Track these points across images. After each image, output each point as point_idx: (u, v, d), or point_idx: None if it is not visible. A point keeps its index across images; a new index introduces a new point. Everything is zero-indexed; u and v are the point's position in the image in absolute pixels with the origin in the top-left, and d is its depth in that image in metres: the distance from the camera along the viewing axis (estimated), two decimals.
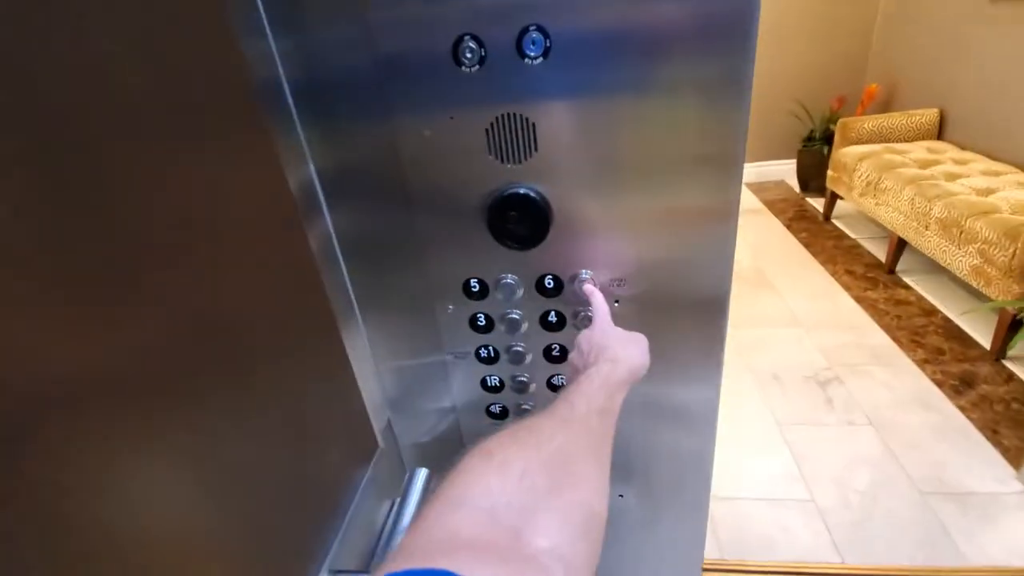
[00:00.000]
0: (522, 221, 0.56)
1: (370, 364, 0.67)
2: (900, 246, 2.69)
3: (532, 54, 0.48)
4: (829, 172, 3.24)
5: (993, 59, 2.68)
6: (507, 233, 0.57)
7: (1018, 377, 1.99)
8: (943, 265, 2.37)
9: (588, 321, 0.58)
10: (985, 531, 1.48)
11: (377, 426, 0.66)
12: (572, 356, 0.57)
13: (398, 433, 0.74)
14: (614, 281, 0.60)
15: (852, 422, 1.88)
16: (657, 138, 0.52)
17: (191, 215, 0.37)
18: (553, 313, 0.63)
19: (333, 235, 0.59)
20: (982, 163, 2.66)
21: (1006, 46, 2.60)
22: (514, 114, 0.52)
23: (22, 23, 0.25)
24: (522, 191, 0.55)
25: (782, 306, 2.58)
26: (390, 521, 0.61)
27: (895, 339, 2.27)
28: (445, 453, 0.76)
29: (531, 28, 0.47)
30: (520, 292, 0.62)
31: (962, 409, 1.88)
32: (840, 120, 3.22)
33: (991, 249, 2.05)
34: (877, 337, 2.30)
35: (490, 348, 0.67)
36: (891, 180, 2.64)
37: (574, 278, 0.60)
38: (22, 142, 0.25)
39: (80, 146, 0.28)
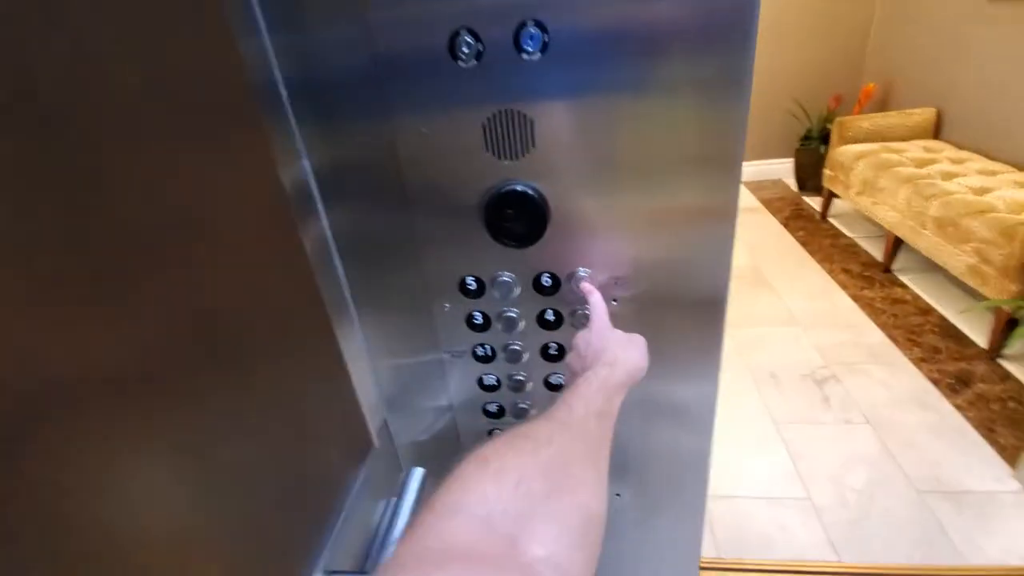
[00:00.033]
0: (519, 218, 0.55)
1: (366, 362, 0.66)
2: (896, 245, 2.69)
3: (530, 49, 0.48)
4: (826, 171, 3.25)
5: (990, 59, 2.69)
6: (504, 231, 0.56)
7: (1014, 376, 1.99)
8: (939, 264, 2.37)
9: (586, 319, 0.58)
10: (982, 530, 1.48)
11: (373, 425, 0.66)
12: (569, 358, 0.56)
13: (394, 432, 0.73)
14: (612, 279, 0.60)
15: (849, 421, 1.88)
16: (656, 136, 0.52)
17: (185, 214, 0.36)
18: (550, 311, 0.63)
19: (328, 232, 0.59)
20: (979, 162, 2.66)
21: (1004, 46, 2.60)
22: (511, 110, 0.51)
23: (12, 20, 0.25)
24: (519, 188, 0.54)
25: (779, 305, 2.59)
26: (386, 521, 0.60)
27: (892, 338, 2.27)
28: (442, 452, 0.75)
29: (528, 23, 0.47)
30: (517, 290, 0.61)
31: (959, 408, 1.88)
32: (837, 119, 3.22)
33: (987, 248, 2.06)
34: (874, 336, 2.31)
35: (487, 347, 0.66)
36: (888, 179, 2.65)
37: (571, 276, 0.60)
38: (12, 141, 0.25)
39: (71, 146, 0.28)
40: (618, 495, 0.76)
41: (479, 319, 0.64)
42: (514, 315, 0.63)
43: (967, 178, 2.50)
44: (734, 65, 0.48)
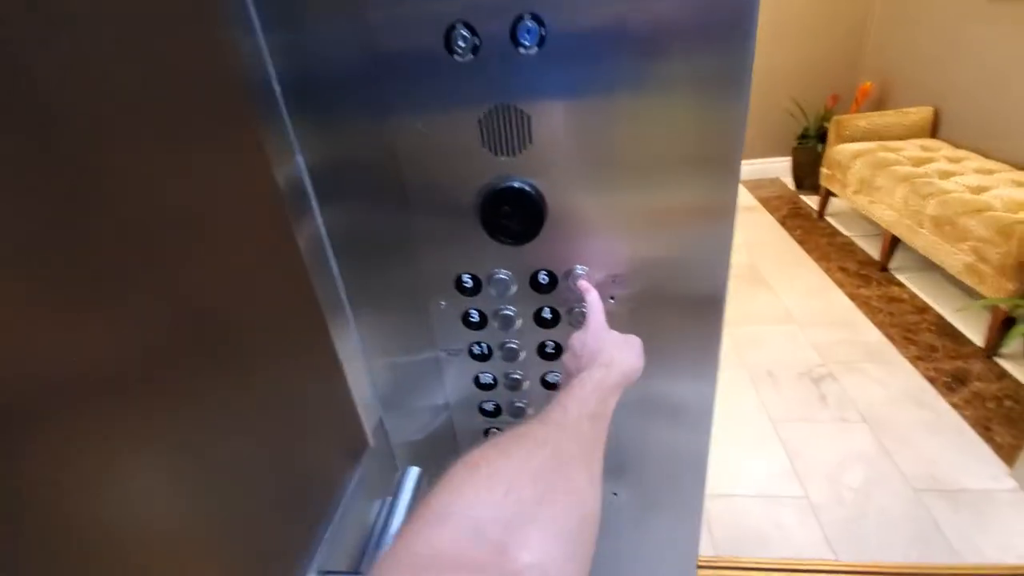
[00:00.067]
0: (516, 215, 0.55)
1: (361, 361, 0.66)
2: (893, 243, 2.70)
3: (526, 43, 0.47)
4: (823, 170, 3.25)
5: (988, 58, 2.69)
6: (501, 228, 0.56)
7: (1010, 374, 2.00)
8: (936, 263, 2.38)
9: (583, 317, 0.58)
10: (978, 528, 1.48)
11: (368, 424, 0.65)
12: (565, 358, 0.56)
13: (390, 431, 0.73)
14: (610, 277, 0.59)
15: (846, 419, 1.89)
16: (655, 133, 0.51)
17: (178, 213, 0.36)
18: (547, 309, 0.62)
19: (323, 230, 0.58)
20: (976, 161, 2.67)
21: (1001, 45, 2.60)
22: (508, 105, 0.50)
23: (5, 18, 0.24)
24: (516, 185, 0.54)
25: (776, 303, 2.59)
26: (381, 521, 0.60)
27: (888, 336, 2.28)
28: (438, 451, 0.75)
29: (525, 16, 0.46)
30: (514, 288, 0.61)
31: (955, 406, 1.89)
32: (834, 118, 3.23)
33: (984, 247, 2.06)
34: (870, 334, 2.31)
35: (483, 345, 0.66)
36: (885, 178, 2.65)
37: (568, 274, 0.59)
38: (9, 140, 0.24)
39: (64, 144, 0.27)
40: (615, 494, 0.76)
41: (475, 317, 0.63)
42: (511, 313, 0.62)
43: (964, 177, 2.50)
44: (734, 63, 0.47)
